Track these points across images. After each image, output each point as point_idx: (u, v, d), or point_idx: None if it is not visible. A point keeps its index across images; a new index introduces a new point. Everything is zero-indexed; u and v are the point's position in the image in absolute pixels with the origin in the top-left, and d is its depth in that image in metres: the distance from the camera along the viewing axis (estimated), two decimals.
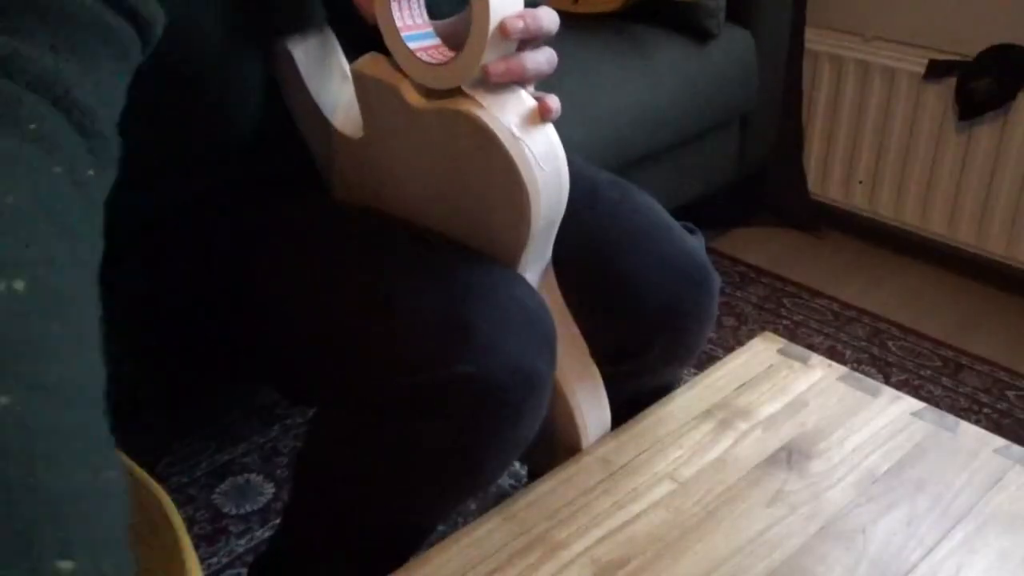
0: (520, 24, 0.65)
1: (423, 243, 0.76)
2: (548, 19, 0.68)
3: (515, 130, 0.68)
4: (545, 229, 0.73)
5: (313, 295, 0.75)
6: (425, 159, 0.73)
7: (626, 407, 0.91)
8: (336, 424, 0.75)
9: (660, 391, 0.94)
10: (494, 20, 0.64)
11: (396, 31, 0.69)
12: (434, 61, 0.68)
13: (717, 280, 0.89)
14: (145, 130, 0.74)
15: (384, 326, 0.70)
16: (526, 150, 0.68)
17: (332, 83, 0.79)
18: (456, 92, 0.68)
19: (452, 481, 0.73)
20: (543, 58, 0.69)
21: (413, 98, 0.70)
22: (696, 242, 0.89)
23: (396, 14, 0.68)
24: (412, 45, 0.69)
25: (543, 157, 0.69)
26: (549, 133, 0.70)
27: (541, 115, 0.69)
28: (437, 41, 0.70)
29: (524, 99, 0.70)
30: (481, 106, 0.67)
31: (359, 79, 0.73)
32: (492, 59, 0.66)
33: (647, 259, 0.85)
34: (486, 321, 0.68)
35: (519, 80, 0.68)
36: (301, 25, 0.76)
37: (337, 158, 0.81)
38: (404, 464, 0.72)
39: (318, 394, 0.78)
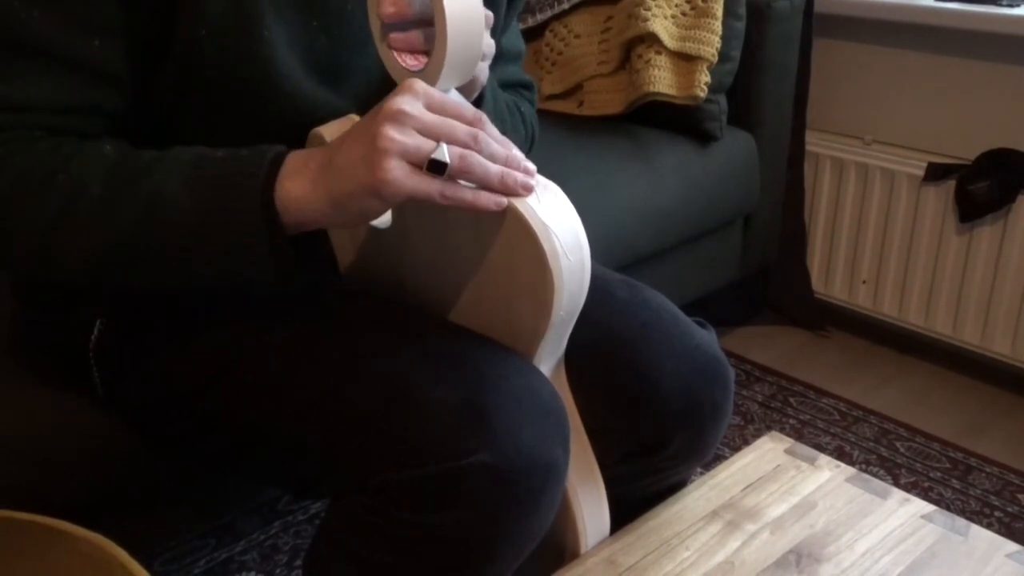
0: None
1: (436, 330, 0.77)
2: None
3: (544, 218, 0.68)
4: (564, 321, 0.74)
5: (326, 383, 0.75)
6: (449, 247, 0.74)
7: (631, 512, 0.89)
8: (351, 514, 0.74)
9: (672, 490, 0.93)
10: (452, 33, 0.66)
11: (379, 20, 0.70)
12: (404, 65, 0.70)
13: (732, 374, 0.89)
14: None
15: (400, 415, 0.70)
16: (554, 239, 0.69)
17: None
18: None
19: (467, 572, 0.72)
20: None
21: None
22: (708, 336, 0.89)
23: None
24: (392, 35, 0.70)
25: (570, 247, 0.70)
26: (575, 223, 0.71)
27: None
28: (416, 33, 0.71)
29: (550, 187, 0.71)
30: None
31: None
32: (453, 71, 0.68)
33: (662, 355, 0.85)
34: (502, 410, 0.69)
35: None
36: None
37: (357, 246, 0.82)
38: (419, 554, 0.71)
39: (329, 485, 0.77)
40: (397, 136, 0.65)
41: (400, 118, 0.65)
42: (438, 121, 0.67)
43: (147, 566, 0.68)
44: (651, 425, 0.85)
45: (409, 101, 0.66)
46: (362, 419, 0.71)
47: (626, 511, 0.88)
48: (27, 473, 0.92)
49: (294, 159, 0.70)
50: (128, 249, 0.71)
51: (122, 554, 0.69)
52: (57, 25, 0.71)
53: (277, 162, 0.70)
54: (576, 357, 0.80)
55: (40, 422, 0.94)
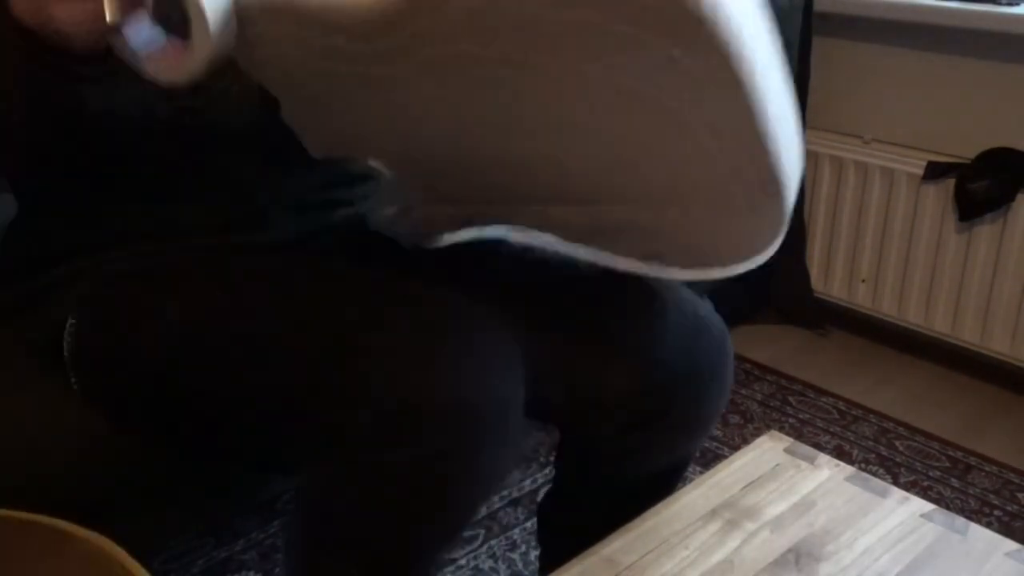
0: None
1: (379, 282, 0.78)
2: None
3: None
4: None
5: (276, 343, 0.76)
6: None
7: (632, 499, 0.90)
8: (326, 482, 0.75)
9: (669, 475, 0.94)
10: None
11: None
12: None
13: (730, 340, 0.91)
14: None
15: (355, 365, 0.71)
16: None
17: None
18: None
19: (429, 510, 0.74)
20: None
21: None
22: (707, 305, 0.91)
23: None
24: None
25: None
26: None
27: None
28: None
29: None
30: None
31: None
32: None
33: (664, 318, 0.87)
34: (454, 350, 0.71)
35: None
36: None
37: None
38: (383, 500, 0.72)
39: (307, 450, 0.77)
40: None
41: None
42: None
43: (147, 566, 0.68)
44: (649, 392, 0.86)
45: None
46: (319, 374, 0.73)
47: (625, 497, 0.89)
48: (26, 473, 0.92)
49: None
50: None
51: (122, 554, 0.69)
52: None
53: None
54: (573, 328, 0.81)
55: (39, 421, 0.94)
